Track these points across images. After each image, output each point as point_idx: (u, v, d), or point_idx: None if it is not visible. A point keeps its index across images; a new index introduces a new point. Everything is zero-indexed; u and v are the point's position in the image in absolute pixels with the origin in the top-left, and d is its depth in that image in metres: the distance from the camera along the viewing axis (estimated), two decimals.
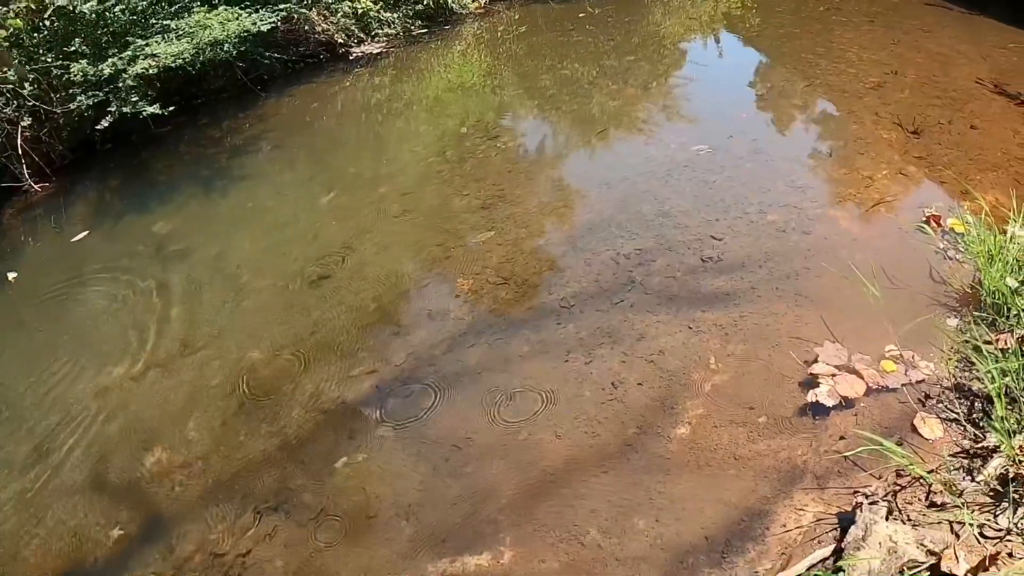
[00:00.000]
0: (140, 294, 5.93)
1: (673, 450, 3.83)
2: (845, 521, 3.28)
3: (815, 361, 4.13)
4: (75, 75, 7.94)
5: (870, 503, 3.29)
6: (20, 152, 7.85)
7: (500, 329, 4.89)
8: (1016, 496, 3.06)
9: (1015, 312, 4.05)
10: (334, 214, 6.69)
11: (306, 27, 10.74)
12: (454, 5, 11.81)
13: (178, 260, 6.32)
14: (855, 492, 3.45)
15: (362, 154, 8.01)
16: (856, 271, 4.68)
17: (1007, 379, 3.54)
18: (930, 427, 3.66)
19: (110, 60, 8.13)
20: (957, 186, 5.57)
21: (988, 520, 3.03)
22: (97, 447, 4.52)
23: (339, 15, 10.95)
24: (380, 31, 11.28)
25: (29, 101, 7.89)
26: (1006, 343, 3.88)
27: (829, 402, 3.87)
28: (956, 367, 3.98)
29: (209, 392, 4.79)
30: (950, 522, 3.08)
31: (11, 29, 7.83)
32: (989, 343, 3.93)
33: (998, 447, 3.36)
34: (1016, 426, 3.37)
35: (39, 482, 4.32)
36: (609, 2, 11.96)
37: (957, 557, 2.81)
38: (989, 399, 3.61)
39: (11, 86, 7.76)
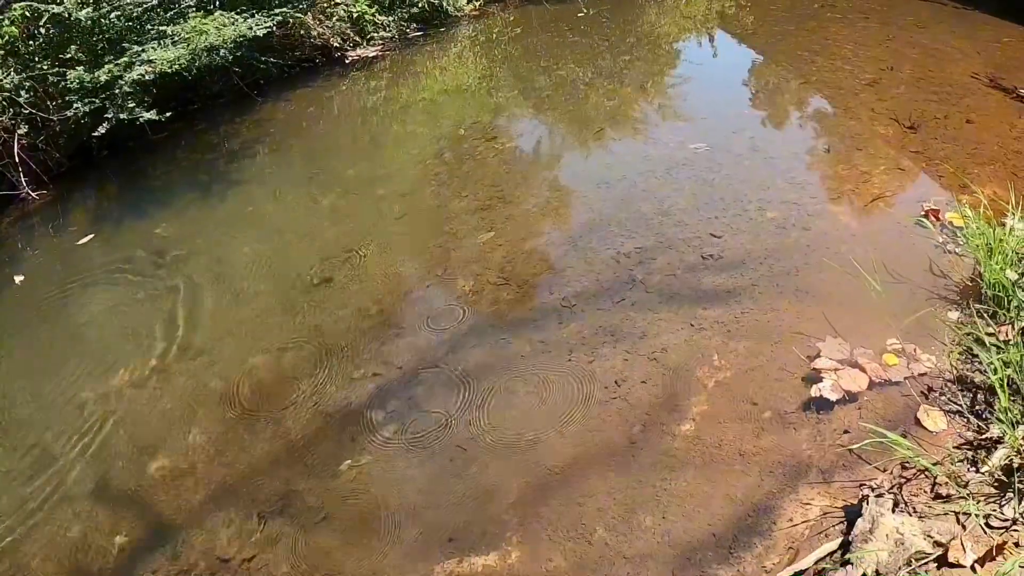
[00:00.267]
0: (141, 300, 5.92)
1: (678, 447, 3.82)
2: (851, 514, 3.27)
3: (817, 356, 4.12)
4: (71, 82, 7.93)
5: (876, 496, 3.29)
6: (17, 160, 7.84)
7: (502, 330, 4.89)
8: (1021, 486, 3.07)
9: (1016, 304, 4.05)
10: (333, 217, 6.70)
11: (302, 31, 10.74)
12: (449, 8, 11.81)
13: (179, 265, 6.31)
14: (861, 485, 3.45)
15: (360, 157, 8.01)
16: (857, 266, 4.67)
17: (1009, 370, 3.53)
18: (933, 419, 3.66)
19: (106, 67, 8.11)
20: (955, 180, 5.57)
21: (994, 510, 3.03)
22: (100, 453, 4.51)
23: (334, 19, 10.95)
24: (376, 34, 11.29)
25: (25, 109, 7.88)
26: (1007, 335, 3.88)
27: (832, 396, 3.87)
28: (958, 359, 3.98)
29: (212, 396, 4.78)
30: (956, 513, 3.08)
31: (6, 37, 7.82)
32: (991, 335, 3.92)
33: (1002, 438, 3.36)
34: (1019, 417, 3.38)
35: (42, 489, 4.31)
36: (604, 3, 11.97)
37: (964, 547, 2.82)
38: (992, 391, 3.60)
39: (7, 94, 7.75)
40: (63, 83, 8.04)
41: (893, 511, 3.17)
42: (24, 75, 7.96)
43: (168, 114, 8.40)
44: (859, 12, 9.88)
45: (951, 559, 2.80)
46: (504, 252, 5.66)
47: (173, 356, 5.20)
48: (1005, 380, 3.49)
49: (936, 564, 2.83)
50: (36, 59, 8.16)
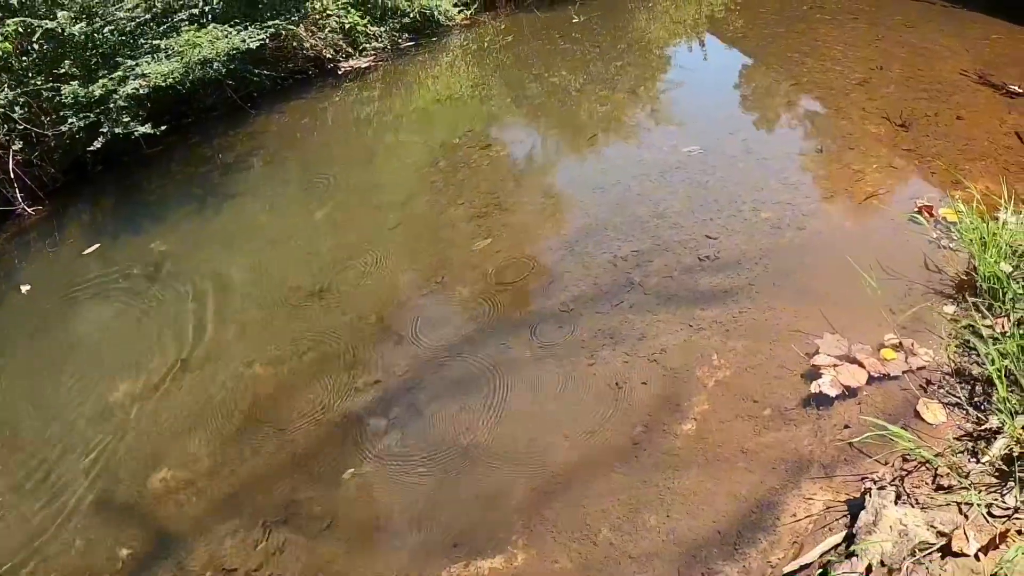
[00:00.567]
0: (140, 314, 5.95)
1: (680, 446, 3.85)
2: (854, 507, 3.29)
3: (816, 353, 4.15)
4: (66, 97, 7.96)
5: (878, 488, 3.32)
6: (12, 176, 7.86)
7: (501, 335, 4.91)
8: (1022, 475, 3.10)
9: (1011, 296, 4.09)
10: (330, 228, 6.72)
11: (294, 43, 10.77)
12: (440, 17, 11.84)
13: (177, 278, 6.33)
14: (863, 479, 3.47)
15: (354, 168, 8.03)
16: (852, 263, 4.70)
17: (1006, 361, 3.56)
18: (933, 412, 3.69)
19: (100, 81, 8.14)
20: (947, 176, 5.61)
21: (995, 500, 3.06)
22: (104, 466, 4.53)
23: (327, 30, 10.98)
24: (368, 45, 11.32)
25: (20, 125, 7.90)
26: (1004, 326, 3.92)
27: (832, 392, 3.89)
28: (955, 352, 4.00)
29: (214, 408, 4.81)
30: (958, 503, 3.11)
31: (0, 53, 7.84)
32: (987, 327, 3.97)
33: (1001, 428, 3.39)
34: (1018, 407, 3.41)
35: (47, 502, 4.33)
36: (594, 9, 12.01)
37: (967, 537, 2.85)
38: (990, 382, 3.63)
39: (1, 110, 7.77)
40: (57, 98, 8.08)
41: (896, 503, 3.20)
42: (18, 91, 7.99)
43: (162, 128, 8.42)
44: (848, 13, 9.93)
45: (955, 548, 2.83)
46: (502, 258, 5.68)
47: (175, 369, 5.22)
48: (1003, 371, 3.52)
49: (940, 554, 2.86)
50: (30, 75, 8.19)
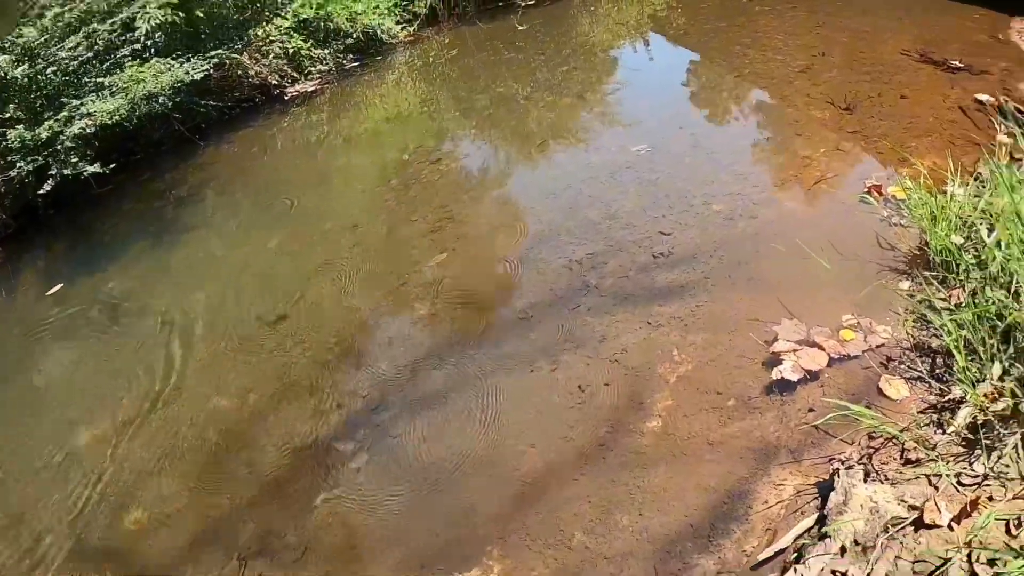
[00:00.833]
0: (104, 355, 5.87)
1: (647, 444, 3.85)
2: (824, 489, 3.31)
3: (775, 340, 4.17)
4: (12, 142, 7.86)
5: (847, 468, 3.34)
6: None
7: (462, 348, 4.89)
8: (988, 442, 3.12)
9: (964, 267, 4.12)
10: (285, 255, 6.67)
11: (239, 72, 10.69)
12: (384, 36, 11.80)
13: (135, 317, 6.26)
14: (830, 460, 3.49)
15: (307, 193, 7.97)
16: (805, 248, 4.73)
17: (963, 331, 3.59)
18: (895, 388, 3.72)
19: (46, 123, 8.06)
20: (894, 155, 5.65)
21: (964, 469, 3.08)
22: (78, 512, 4.45)
23: (271, 56, 10.92)
24: (313, 68, 11.26)
25: None
26: (959, 297, 3.95)
27: (794, 377, 3.91)
28: (913, 327, 4.04)
29: (183, 445, 4.74)
30: (927, 476, 3.13)
31: None
32: (942, 300, 4.00)
33: (964, 398, 3.42)
34: (979, 375, 3.44)
35: (14, 548, 4.26)
36: (536, 17, 12.03)
37: (939, 508, 2.87)
38: (949, 353, 3.66)
39: None
40: (3, 143, 7.97)
41: (865, 481, 3.22)
42: None
43: (112, 166, 8.33)
44: (787, 2, 9.99)
45: (927, 520, 2.85)
46: (458, 271, 5.67)
47: (142, 408, 5.14)
48: (961, 341, 3.56)
49: (913, 527, 2.87)
50: None
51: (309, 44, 11.23)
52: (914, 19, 8.38)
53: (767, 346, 4.17)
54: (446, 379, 4.68)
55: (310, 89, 11.04)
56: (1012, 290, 3.70)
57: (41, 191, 8.15)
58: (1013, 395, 3.25)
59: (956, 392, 3.51)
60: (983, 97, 6.37)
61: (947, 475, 3.04)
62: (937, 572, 2.64)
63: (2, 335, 6.66)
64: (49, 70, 8.43)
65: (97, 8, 9.36)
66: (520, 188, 6.96)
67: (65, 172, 8.10)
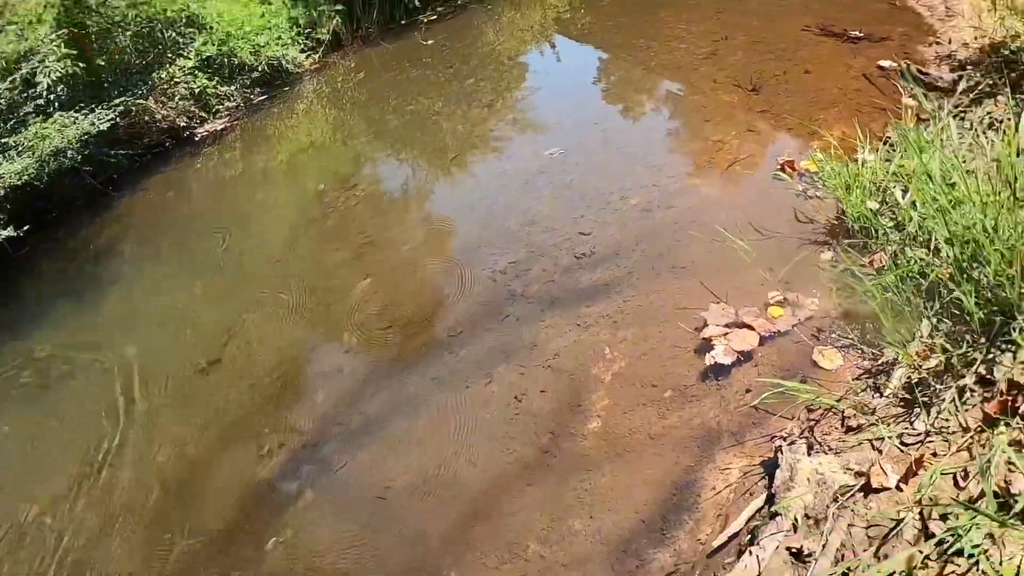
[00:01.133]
0: (37, 424, 5.63)
1: (590, 446, 3.82)
2: (770, 468, 3.31)
3: (704, 326, 4.16)
4: None
5: (789, 444, 3.36)
6: None
7: (396, 373, 4.80)
8: (925, 400, 3.14)
9: (882, 232, 4.15)
10: (211, 298, 6.50)
11: (146, 117, 10.45)
12: (289, 66, 11.65)
13: (65, 381, 6.02)
14: (773, 438, 3.51)
15: (226, 233, 7.79)
16: (724, 231, 4.74)
17: (888, 294, 3.62)
18: (829, 358, 3.75)
19: None
20: (803, 129, 5.71)
21: (905, 429, 3.10)
22: None
23: (177, 98, 10.71)
24: (221, 106, 11.05)
25: None
26: (881, 261, 3.98)
27: (727, 360, 3.91)
28: (839, 296, 4.07)
29: (129, 505, 4.55)
30: (870, 441, 3.14)
31: None
32: (864, 266, 4.03)
33: (897, 359, 3.45)
34: (908, 335, 3.47)
35: None
36: (440, 32, 11.98)
37: (884, 471, 2.88)
38: (877, 317, 3.67)
39: None
40: None
41: (809, 454, 3.23)
42: None
43: (26, 227, 8.07)
44: None
45: (875, 485, 2.85)
46: (383, 296, 5.56)
47: (83, 475, 4.93)
48: (886, 304, 3.59)
49: (862, 493, 2.87)
50: None
51: (215, 82, 11.03)
52: None
53: (697, 333, 4.16)
54: (383, 405, 4.58)
55: (220, 127, 10.84)
56: (932, 247, 3.73)
57: None
58: (944, 350, 3.27)
59: (889, 354, 3.55)
60: (885, 63, 6.47)
61: (889, 437, 3.05)
62: (892, 534, 2.62)
63: None
64: None
65: None
66: (437, 204, 6.89)
67: None
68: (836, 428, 3.36)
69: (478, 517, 3.69)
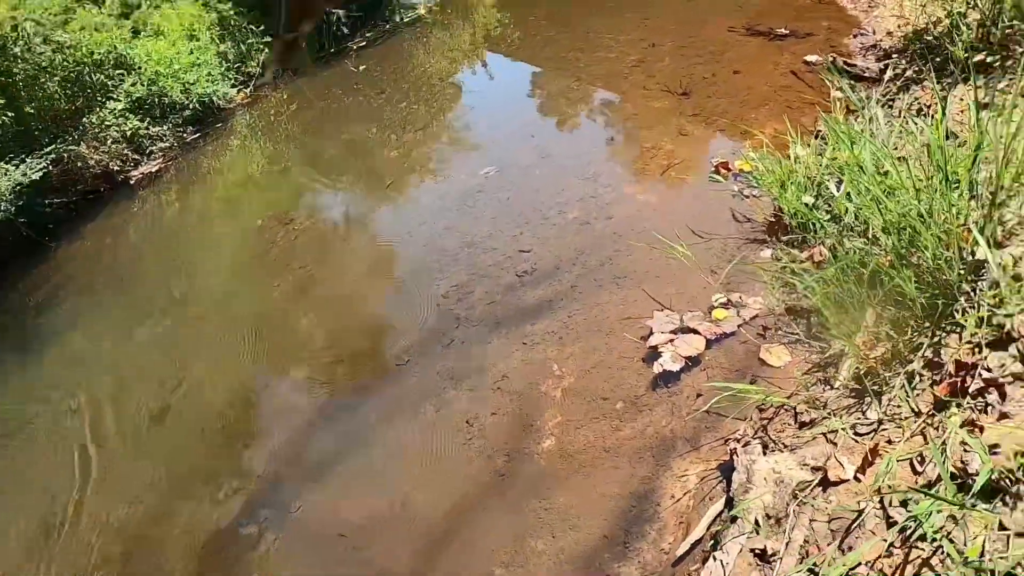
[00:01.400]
0: None
1: (545, 464, 3.78)
2: (727, 471, 3.30)
3: (651, 334, 4.14)
4: None
5: (743, 446, 3.34)
6: None
7: (346, 407, 4.73)
8: (875, 388, 3.13)
9: (819, 225, 4.15)
10: (156, 345, 6.36)
11: (79, 163, 10.27)
12: (221, 102, 11.54)
13: (12, 438, 5.86)
14: (727, 441, 3.49)
15: (166, 277, 7.66)
16: (663, 238, 4.72)
17: (829, 287, 3.61)
18: (777, 355, 3.75)
19: None
20: (735, 130, 5.74)
21: (858, 419, 3.09)
22: None
23: (109, 142, 10.53)
24: (154, 147, 10.91)
25: None
26: (821, 254, 3.98)
27: (675, 367, 3.89)
28: (782, 293, 4.06)
29: (84, 568, 4.41)
30: (824, 434, 3.13)
31: None
32: (802, 261, 4.02)
33: (844, 350, 3.45)
34: (853, 326, 3.46)
35: None
36: (371, 57, 11.94)
37: (841, 463, 2.87)
38: (820, 311, 3.66)
39: None
40: None
41: (764, 454, 3.22)
42: None
43: None
44: (612, 2, 10.13)
45: (832, 478, 2.84)
46: (327, 330, 5.50)
47: (31, 538, 4.79)
48: (828, 297, 3.58)
49: (821, 487, 2.86)
50: None
51: (146, 123, 10.89)
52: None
53: (644, 342, 4.13)
54: (336, 440, 4.51)
55: (155, 169, 10.68)
56: (870, 236, 3.72)
57: None
58: (890, 337, 3.28)
59: (836, 347, 3.55)
60: (812, 58, 6.53)
61: (843, 429, 3.04)
62: (854, 526, 2.60)
63: None
64: None
65: None
66: (376, 233, 6.82)
67: None
68: (789, 425, 3.35)
69: (441, 547, 3.62)
